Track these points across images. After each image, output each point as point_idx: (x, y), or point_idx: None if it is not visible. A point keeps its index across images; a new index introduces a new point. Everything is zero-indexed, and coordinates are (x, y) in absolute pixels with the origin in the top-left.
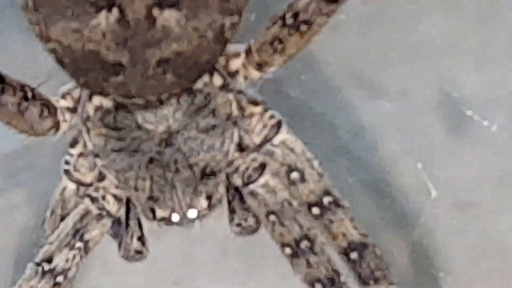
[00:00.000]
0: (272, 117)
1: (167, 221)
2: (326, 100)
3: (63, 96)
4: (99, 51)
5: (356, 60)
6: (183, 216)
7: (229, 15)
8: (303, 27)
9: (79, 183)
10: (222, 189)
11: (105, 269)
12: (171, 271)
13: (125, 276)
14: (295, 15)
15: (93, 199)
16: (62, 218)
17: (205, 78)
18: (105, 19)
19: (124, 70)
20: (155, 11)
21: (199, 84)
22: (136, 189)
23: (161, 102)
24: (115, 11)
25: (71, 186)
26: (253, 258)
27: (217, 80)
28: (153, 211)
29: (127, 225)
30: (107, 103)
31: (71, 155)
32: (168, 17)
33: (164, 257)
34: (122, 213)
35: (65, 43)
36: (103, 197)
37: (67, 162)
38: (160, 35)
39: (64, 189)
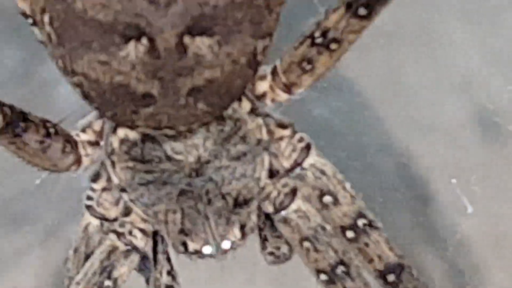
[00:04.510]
0: (301, 139)
1: (200, 253)
2: (351, 117)
3: (83, 130)
4: (128, 83)
5: (381, 72)
6: (217, 247)
7: (261, 38)
8: (333, 46)
9: (103, 219)
10: (254, 218)
11: None
12: None
13: None
14: (324, 33)
15: (119, 235)
16: (87, 256)
17: (234, 103)
18: (134, 50)
19: (155, 101)
20: (186, 39)
21: (228, 111)
22: (166, 222)
23: (190, 132)
24: (144, 41)
25: (95, 222)
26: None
27: (246, 105)
28: (185, 244)
29: (155, 259)
30: (133, 135)
31: (93, 190)
32: (200, 44)
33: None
34: (149, 247)
35: (92, 77)
36: (130, 232)
37: (89, 198)
38: (192, 63)
39: (87, 225)
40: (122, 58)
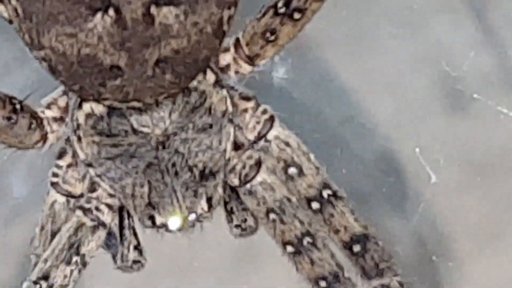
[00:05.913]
0: (264, 112)
1: (167, 227)
2: (313, 90)
3: (48, 107)
4: (95, 55)
5: (347, 44)
6: (184, 220)
7: (227, 8)
8: (297, 15)
9: (69, 195)
10: (220, 190)
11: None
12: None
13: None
14: (287, 3)
15: (86, 211)
16: (53, 234)
17: (199, 75)
18: (101, 21)
19: (122, 73)
20: (153, 9)
21: (193, 83)
22: (133, 196)
23: (157, 104)
24: (111, 12)
25: (61, 199)
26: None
27: (211, 77)
28: (152, 218)
29: (122, 235)
30: (99, 109)
31: (59, 166)
32: (166, 14)
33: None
34: (115, 223)
35: (60, 50)
36: (97, 208)
37: (55, 175)
38: (159, 33)
39: (53, 202)
40: (89, 30)
